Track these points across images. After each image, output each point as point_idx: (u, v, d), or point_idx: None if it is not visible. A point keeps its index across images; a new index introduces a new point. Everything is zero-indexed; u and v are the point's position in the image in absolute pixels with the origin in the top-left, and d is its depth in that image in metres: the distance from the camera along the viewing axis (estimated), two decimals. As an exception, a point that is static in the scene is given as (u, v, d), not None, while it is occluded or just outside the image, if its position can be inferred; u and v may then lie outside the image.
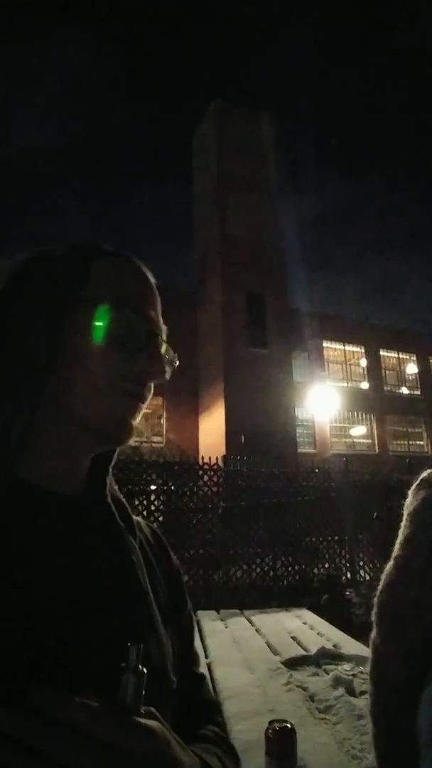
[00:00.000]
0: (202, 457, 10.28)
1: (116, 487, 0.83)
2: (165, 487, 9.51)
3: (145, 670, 0.54)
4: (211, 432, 22.62)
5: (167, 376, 0.77)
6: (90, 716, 0.49)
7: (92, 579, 0.68)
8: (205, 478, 9.85)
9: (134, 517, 0.85)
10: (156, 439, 23.45)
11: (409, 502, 1.08)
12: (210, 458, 10.15)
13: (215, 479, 9.93)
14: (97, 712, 0.50)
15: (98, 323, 0.71)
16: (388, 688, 1.03)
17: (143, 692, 0.53)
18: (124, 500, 0.83)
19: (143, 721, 0.53)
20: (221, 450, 18.19)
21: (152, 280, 0.80)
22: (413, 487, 1.11)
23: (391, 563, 1.07)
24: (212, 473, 9.94)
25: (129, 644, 0.54)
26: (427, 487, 1.08)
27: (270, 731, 2.70)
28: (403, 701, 0.97)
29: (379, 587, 1.08)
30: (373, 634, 1.08)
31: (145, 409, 0.77)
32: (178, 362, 0.82)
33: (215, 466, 10.03)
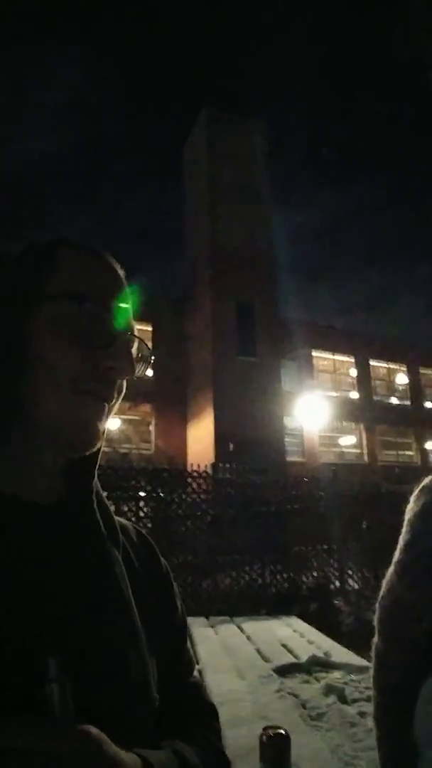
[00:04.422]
0: (191, 465, 10.27)
1: (101, 493, 0.79)
2: (154, 494, 9.51)
3: (67, 682, 0.55)
4: (200, 440, 22.58)
5: (137, 372, 0.74)
6: (17, 731, 0.50)
7: (70, 593, 0.65)
8: (194, 485, 9.87)
9: (120, 521, 0.83)
10: (144, 446, 23.36)
11: (410, 508, 1.08)
12: (199, 466, 10.15)
13: (204, 486, 9.94)
14: (23, 726, 0.51)
15: (60, 320, 0.67)
16: (391, 692, 1.03)
17: (70, 701, 0.55)
18: (108, 506, 0.79)
19: (74, 726, 0.53)
20: (209, 458, 18.15)
21: (121, 272, 0.76)
22: (415, 492, 1.11)
23: (391, 569, 1.07)
24: (201, 480, 9.95)
25: (48, 658, 0.55)
26: (428, 493, 1.07)
27: (264, 737, 2.65)
28: (406, 706, 0.96)
29: (381, 593, 1.08)
30: (375, 639, 1.07)
31: (115, 410, 0.73)
32: (152, 358, 0.77)
33: (204, 474, 10.04)
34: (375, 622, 1.09)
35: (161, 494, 9.56)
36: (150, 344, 0.79)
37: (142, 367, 0.75)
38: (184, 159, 28.03)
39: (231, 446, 20.35)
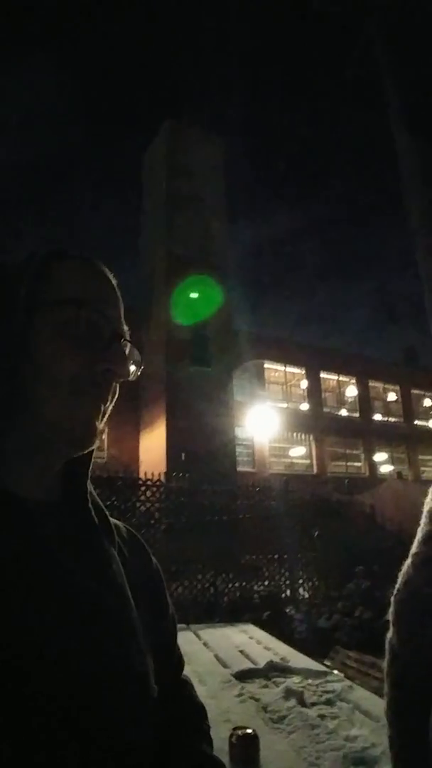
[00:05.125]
0: (145, 473, 10.25)
1: (95, 493, 0.82)
2: (108, 503, 9.43)
3: None
4: (152, 449, 22.45)
5: (132, 376, 0.78)
6: None
7: (70, 588, 0.67)
8: (148, 493, 9.83)
9: (113, 521, 0.85)
10: (98, 454, 22.83)
11: (429, 500, 1.07)
12: (153, 474, 10.13)
13: (157, 495, 9.92)
14: None
15: (60, 325, 0.71)
16: (407, 688, 1.01)
17: None
18: (102, 506, 0.82)
19: None
20: (162, 467, 18.06)
21: (114, 281, 0.80)
22: None
23: (409, 561, 1.06)
24: (155, 489, 9.93)
25: None
26: None
27: (234, 738, 2.71)
28: (423, 701, 0.95)
29: (396, 586, 1.06)
30: (390, 633, 1.06)
31: (109, 413, 0.77)
32: (143, 365, 0.81)
33: (158, 482, 10.02)
34: (390, 616, 1.06)
35: (115, 502, 9.50)
36: None
37: (135, 371, 0.79)
38: (143, 169, 27.94)
39: (183, 456, 20.32)
